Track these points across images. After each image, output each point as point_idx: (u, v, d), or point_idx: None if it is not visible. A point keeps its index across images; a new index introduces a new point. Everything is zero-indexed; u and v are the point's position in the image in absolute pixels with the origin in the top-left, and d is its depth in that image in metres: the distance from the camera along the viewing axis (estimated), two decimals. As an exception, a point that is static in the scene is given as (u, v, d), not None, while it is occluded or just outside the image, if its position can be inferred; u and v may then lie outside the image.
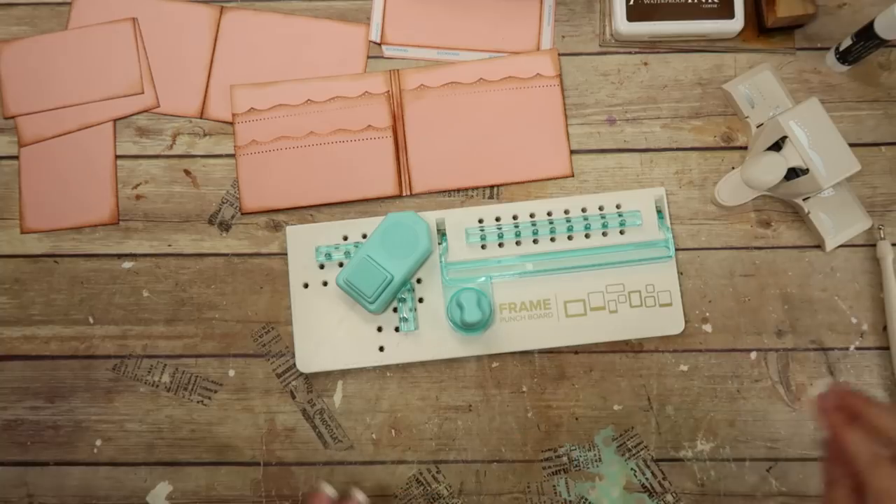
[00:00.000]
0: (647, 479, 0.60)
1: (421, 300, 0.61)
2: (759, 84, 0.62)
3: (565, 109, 0.64)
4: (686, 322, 0.61)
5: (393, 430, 0.60)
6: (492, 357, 0.61)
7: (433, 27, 0.66)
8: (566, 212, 0.62)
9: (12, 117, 0.65)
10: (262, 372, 0.61)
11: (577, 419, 0.61)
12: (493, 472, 0.60)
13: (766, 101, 0.62)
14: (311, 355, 0.60)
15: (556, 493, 0.59)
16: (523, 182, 0.63)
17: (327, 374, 0.61)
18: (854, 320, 0.61)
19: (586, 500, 0.59)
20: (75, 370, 0.62)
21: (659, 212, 0.62)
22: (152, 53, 0.65)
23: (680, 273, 0.61)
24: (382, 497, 0.60)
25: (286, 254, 0.62)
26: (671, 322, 0.60)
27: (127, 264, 0.63)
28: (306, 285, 0.61)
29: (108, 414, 0.61)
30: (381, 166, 0.63)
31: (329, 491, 0.51)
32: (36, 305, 0.63)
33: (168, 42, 0.66)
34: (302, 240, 0.62)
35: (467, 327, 0.59)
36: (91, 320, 0.62)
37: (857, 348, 0.61)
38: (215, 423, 0.61)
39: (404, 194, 0.63)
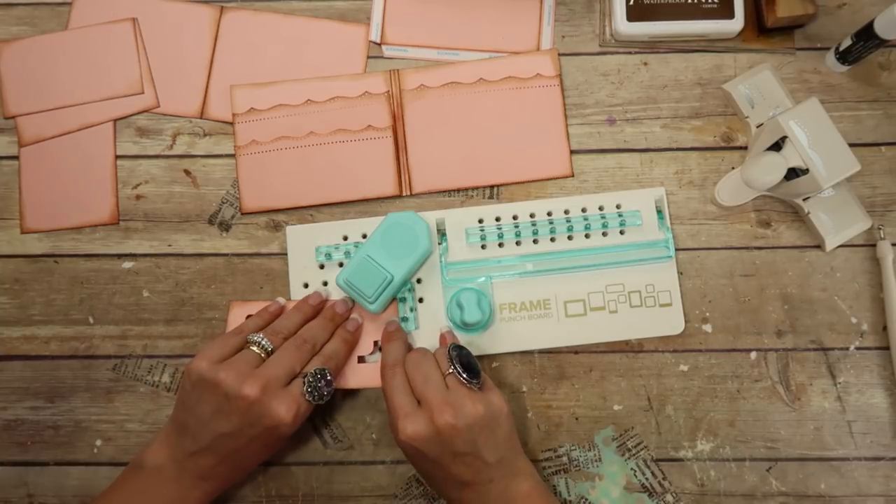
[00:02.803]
0: (647, 479, 0.60)
1: (421, 300, 0.61)
2: (759, 84, 0.62)
3: (565, 109, 0.64)
4: (686, 322, 0.61)
5: (393, 430, 0.60)
6: (492, 357, 0.61)
7: (433, 27, 0.66)
8: (566, 212, 0.62)
9: (12, 117, 0.65)
10: (262, 372, 0.61)
11: (577, 419, 0.61)
12: (493, 472, 0.60)
13: (766, 101, 0.62)
14: (311, 355, 0.60)
15: (556, 493, 0.59)
16: (523, 182, 0.63)
17: (327, 374, 0.61)
18: (854, 320, 0.61)
19: (586, 500, 0.59)
20: (75, 370, 0.62)
21: (659, 212, 0.62)
22: (152, 53, 0.65)
23: (680, 273, 0.62)
24: (382, 497, 0.60)
25: (286, 254, 0.62)
26: (671, 322, 0.60)
27: (127, 264, 0.63)
28: (306, 285, 0.61)
29: (108, 414, 0.61)
30: (381, 166, 0.63)
31: (323, 293, 0.60)
32: (36, 305, 0.63)
33: (168, 42, 0.66)
34: (302, 240, 0.62)
35: (467, 327, 0.59)
36: (91, 320, 0.62)
37: (857, 348, 0.61)
38: (215, 423, 0.61)
39: (404, 194, 0.63)
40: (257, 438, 0.52)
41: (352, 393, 0.61)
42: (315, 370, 0.53)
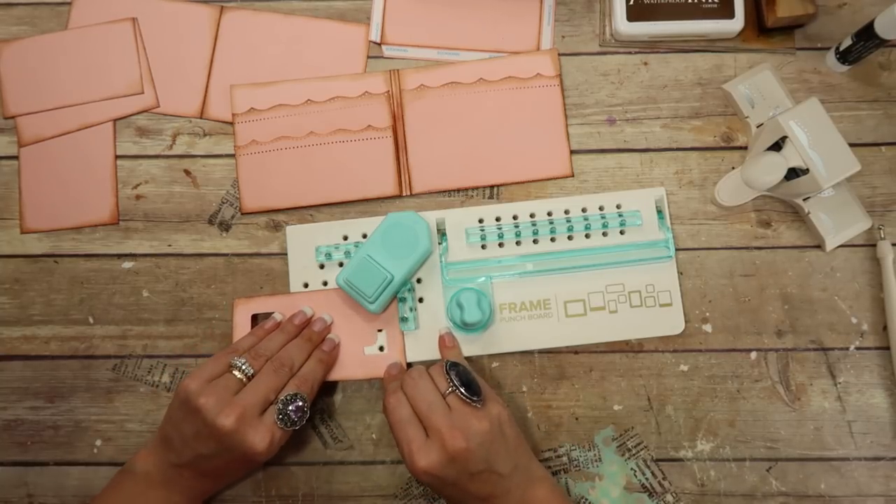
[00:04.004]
0: (647, 479, 0.60)
1: (421, 300, 0.61)
2: (759, 84, 0.62)
3: (565, 109, 0.64)
4: (686, 322, 0.61)
5: (393, 430, 0.60)
6: (492, 357, 0.61)
7: (433, 27, 0.66)
8: (566, 212, 0.62)
9: (12, 117, 0.65)
10: (262, 372, 0.61)
11: (577, 419, 0.61)
12: (493, 472, 0.60)
13: (766, 101, 0.62)
14: (311, 355, 0.60)
15: (556, 493, 0.59)
16: (523, 182, 0.63)
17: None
18: (854, 320, 0.61)
19: (586, 500, 0.59)
20: (75, 370, 0.62)
21: (659, 212, 0.62)
22: (152, 53, 0.65)
23: (680, 273, 0.62)
24: (382, 497, 0.60)
25: (286, 254, 0.62)
26: (671, 322, 0.60)
27: (127, 264, 0.63)
28: (306, 285, 0.61)
29: (108, 414, 0.61)
30: (381, 166, 0.63)
31: (307, 311, 0.60)
32: (36, 305, 0.63)
33: (168, 42, 0.66)
34: (302, 239, 0.62)
35: (467, 327, 0.59)
36: (91, 320, 0.62)
37: (857, 348, 0.61)
38: (215, 423, 0.61)
39: (404, 194, 0.63)
40: (234, 461, 0.54)
41: (352, 393, 0.61)
42: (286, 396, 0.54)
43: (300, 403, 0.54)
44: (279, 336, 0.58)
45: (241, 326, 0.60)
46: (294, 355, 0.56)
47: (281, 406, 0.53)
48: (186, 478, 0.54)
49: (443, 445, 0.51)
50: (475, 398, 0.53)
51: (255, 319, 0.61)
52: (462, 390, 0.53)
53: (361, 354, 0.60)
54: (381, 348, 0.60)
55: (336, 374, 0.59)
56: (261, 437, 0.52)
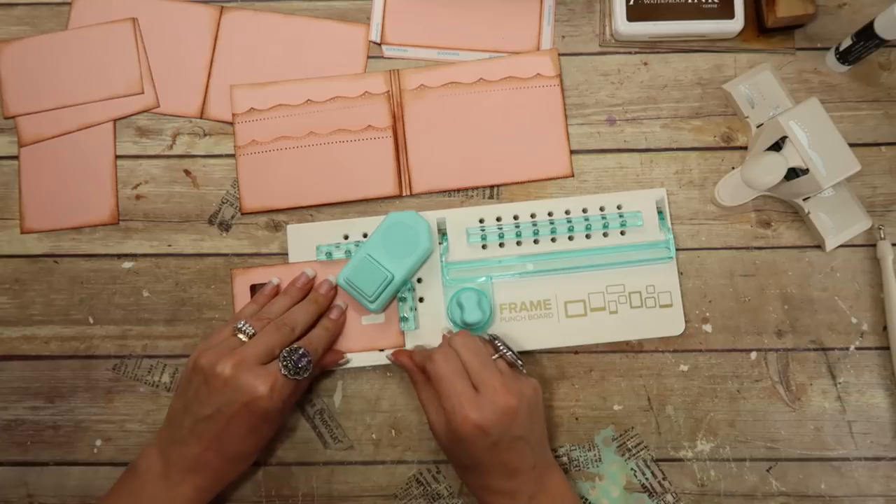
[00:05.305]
0: (647, 479, 0.60)
1: (421, 300, 0.61)
2: (759, 84, 0.62)
3: (565, 109, 0.64)
4: (686, 322, 0.61)
5: (393, 430, 0.60)
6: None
7: (433, 27, 0.66)
8: (567, 212, 0.62)
9: (12, 117, 0.65)
10: (262, 372, 0.61)
11: (577, 419, 0.61)
12: (494, 472, 0.60)
13: (766, 101, 0.62)
14: (312, 355, 0.60)
15: (556, 493, 0.59)
16: (523, 182, 0.63)
17: (327, 373, 0.61)
18: (854, 320, 0.61)
19: (586, 500, 0.59)
20: (75, 370, 0.62)
21: (660, 213, 0.62)
22: (152, 53, 0.65)
23: (680, 273, 0.62)
24: (382, 497, 0.60)
25: (286, 254, 0.62)
26: (671, 323, 0.60)
27: (127, 264, 0.63)
28: (306, 285, 0.61)
29: (108, 414, 0.61)
30: (381, 166, 0.63)
31: (309, 272, 0.60)
32: (36, 305, 0.63)
33: (168, 42, 0.66)
34: (303, 238, 0.62)
35: (468, 327, 0.59)
36: (91, 320, 0.62)
37: (857, 348, 0.61)
38: (215, 423, 0.61)
39: (404, 194, 0.63)
40: (237, 417, 0.52)
41: (352, 393, 0.61)
42: (290, 347, 0.54)
43: (304, 352, 0.54)
44: (283, 299, 0.58)
45: (241, 297, 0.61)
46: (298, 317, 0.56)
47: (285, 355, 0.53)
48: (190, 457, 0.53)
49: (495, 400, 0.51)
50: (522, 363, 0.54)
51: (254, 290, 0.61)
52: (512, 352, 0.54)
53: (359, 325, 0.60)
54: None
55: (336, 346, 0.60)
56: (262, 380, 0.52)
